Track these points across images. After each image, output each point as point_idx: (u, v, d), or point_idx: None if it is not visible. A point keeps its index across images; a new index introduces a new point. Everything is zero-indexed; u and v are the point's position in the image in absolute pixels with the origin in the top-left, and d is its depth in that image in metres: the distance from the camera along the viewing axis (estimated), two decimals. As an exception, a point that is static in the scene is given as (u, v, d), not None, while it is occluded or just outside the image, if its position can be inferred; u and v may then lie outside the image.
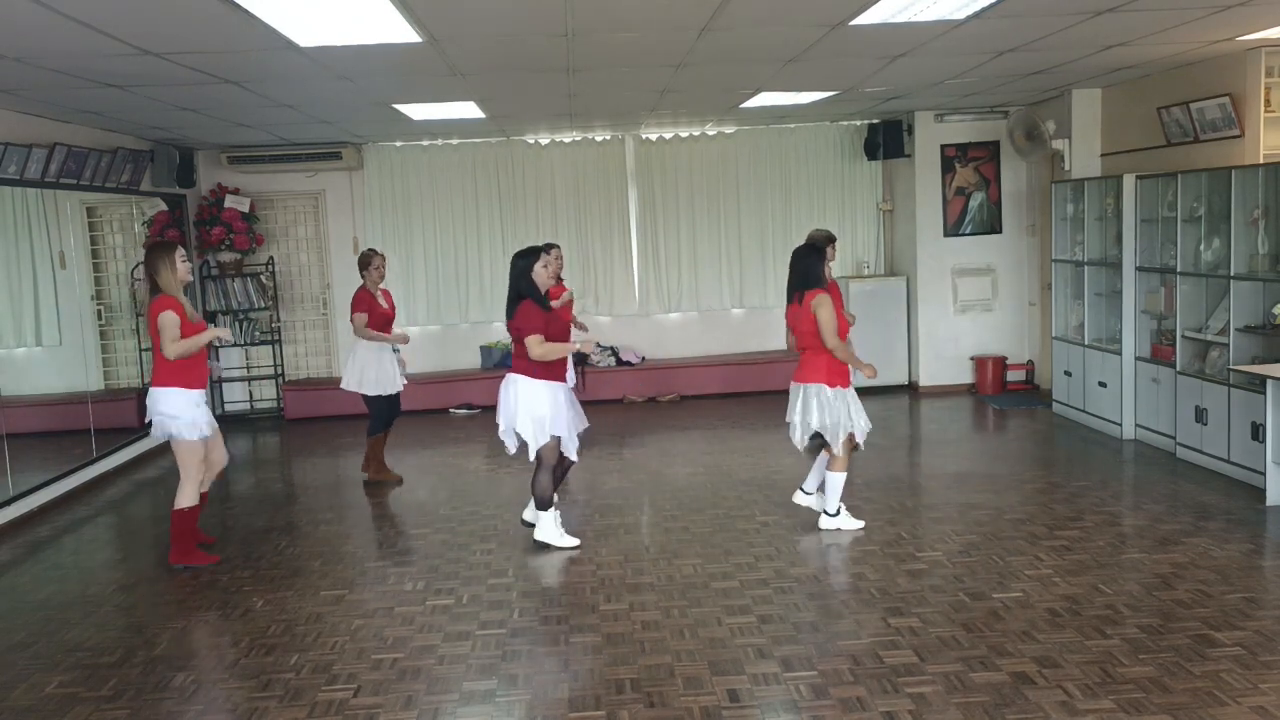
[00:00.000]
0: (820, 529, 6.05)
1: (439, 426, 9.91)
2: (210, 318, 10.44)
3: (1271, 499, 6.14)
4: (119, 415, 8.98)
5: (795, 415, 5.90)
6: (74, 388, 8.24)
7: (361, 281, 7.58)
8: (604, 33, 5.51)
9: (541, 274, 5.84)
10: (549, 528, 5.94)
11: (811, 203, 11.03)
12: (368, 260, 7.57)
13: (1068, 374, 8.83)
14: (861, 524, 6.07)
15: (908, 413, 9.71)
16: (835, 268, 10.99)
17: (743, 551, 5.72)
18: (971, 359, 10.46)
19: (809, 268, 5.88)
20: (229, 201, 10.26)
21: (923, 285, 10.43)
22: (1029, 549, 5.56)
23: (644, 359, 11.06)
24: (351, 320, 7.51)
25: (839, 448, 5.86)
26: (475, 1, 4.68)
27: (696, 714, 3.85)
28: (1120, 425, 8.06)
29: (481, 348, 11.00)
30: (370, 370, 7.48)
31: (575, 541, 5.94)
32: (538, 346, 5.65)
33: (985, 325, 10.49)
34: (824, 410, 5.81)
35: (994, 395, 10.13)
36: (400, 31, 5.11)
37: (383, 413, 7.63)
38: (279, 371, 10.75)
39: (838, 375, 5.84)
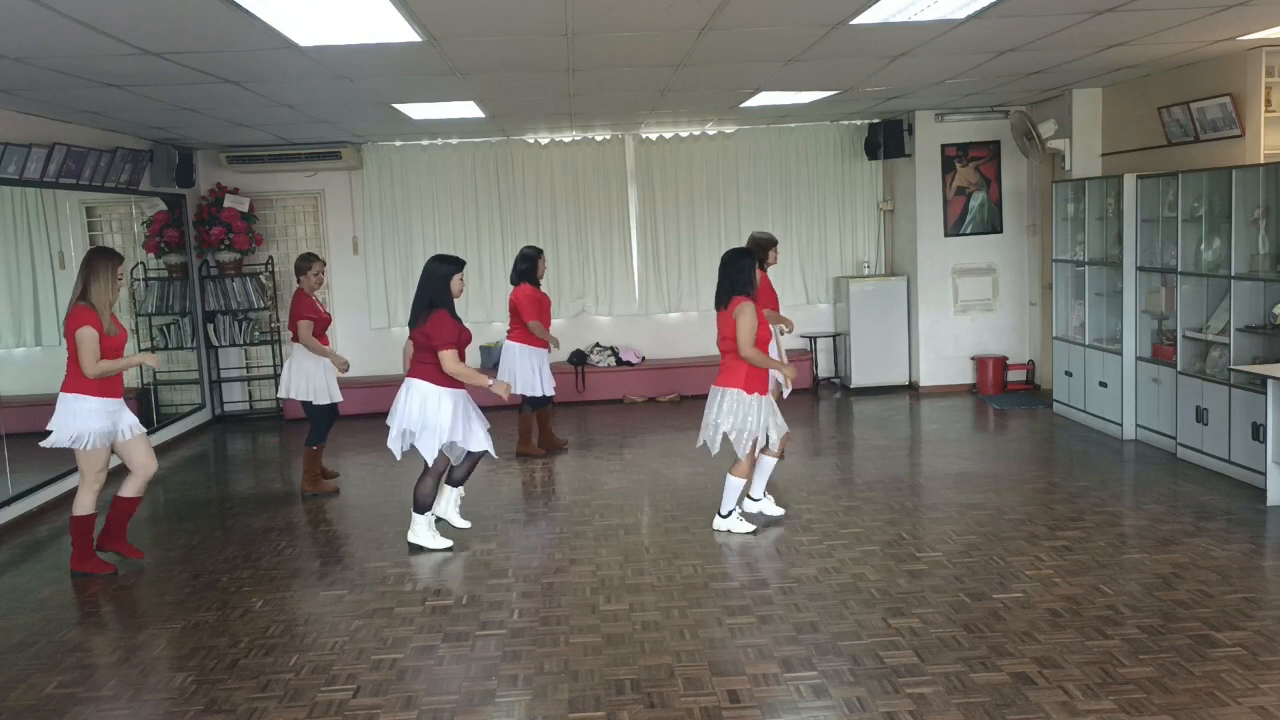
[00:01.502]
0: (713, 528, 6.11)
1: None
2: (209, 318, 10.45)
3: (1272, 499, 6.13)
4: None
5: (709, 417, 5.89)
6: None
7: (298, 285, 7.40)
8: (604, 33, 5.50)
9: (457, 284, 5.80)
10: (422, 530, 5.99)
11: (811, 203, 11.03)
12: (308, 264, 7.37)
13: (1068, 374, 8.83)
14: (753, 528, 6.06)
15: (908, 413, 9.70)
16: (836, 267, 11.14)
17: (743, 551, 5.72)
18: (972, 359, 10.45)
19: (738, 272, 5.82)
20: (228, 201, 10.26)
21: (923, 285, 10.43)
22: (1029, 549, 5.55)
23: (644, 359, 11.06)
24: (293, 326, 7.26)
25: (743, 453, 5.87)
26: (475, 1, 4.68)
27: (697, 715, 3.84)
28: (1121, 425, 8.06)
29: (481, 347, 10.98)
30: (319, 378, 7.32)
31: (448, 543, 6.00)
32: (452, 363, 5.65)
33: (986, 325, 10.48)
34: (735, 414, 5.79)
35: (994, 395, 10.13)
36: (400, 31, 5.11)
37: (325, 422, 7.47)
38: (278, 372, 10.72)
39: (756, 382, 5.81)
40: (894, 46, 6.36)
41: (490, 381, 5.85)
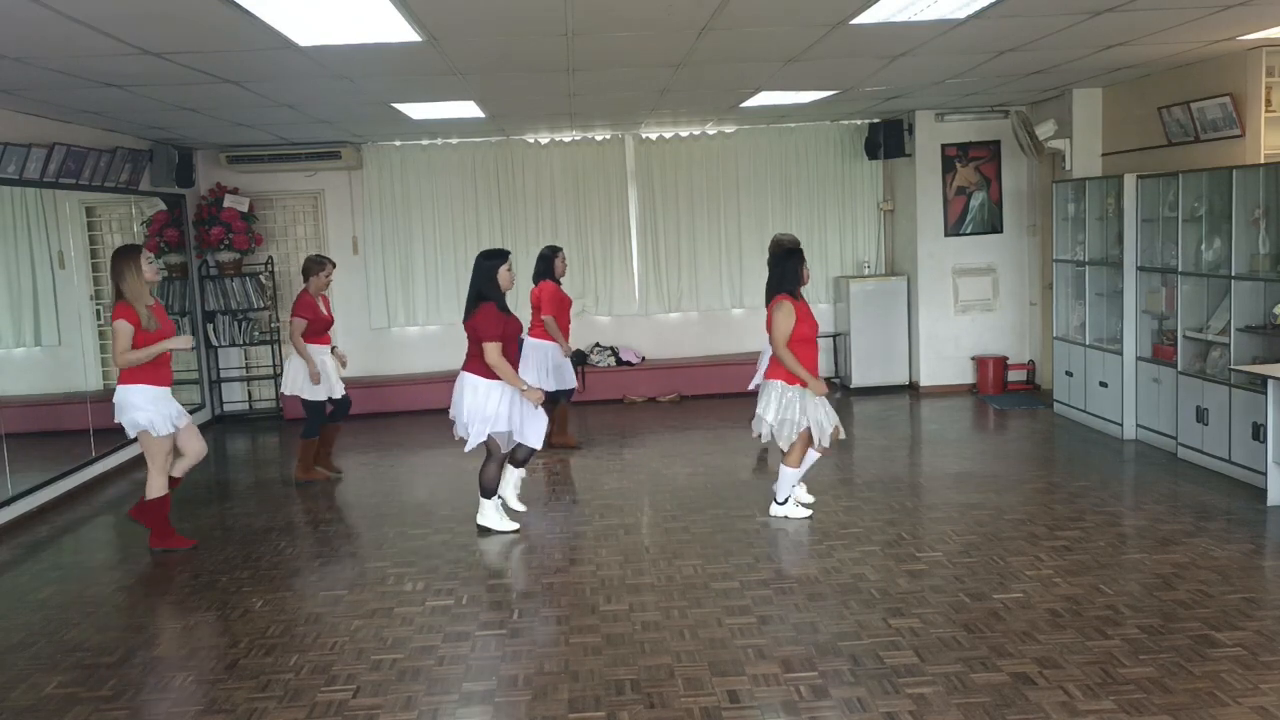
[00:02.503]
0: (770, 514, 6.29)
1: (439, 426, 9.88)
2: (209, 318, 10.45)
3: (1272, 499, 6.13)
4: (119, 415, 8.97)
5: (758, 409, 6.18)
6: (73, 388, 8.23)
7: (304, 286, 7.57)
8: (604, 33, 5.50)
9: (505, 277, 6.00)
10: (490, 513, 6.25)
11: (811, 203, 11.03)
12: (320, 266, 7.56)
13: (1069, 374, 8.83)
14: (809, 513, 6.28)
15: (908, 413, 9.70)
16: (836, 267, 11.13)
17: (743, 552, 5.72)
18: (972, 359, 10.45)
19: (785, 271, 6.16)
20: (228, 201, 10.25)
21: (923, 285, 10.43)
22: (1029, 549, 5.55)
23: (644, 359, 11.05)
24: (289, 323, 7.49)
25: (785, 443, 6.10)
26: (475, 1, 4.68)
27: (697, 715, 3.84)
28: (1121, 425, 8.06)
29: (481, 348, 10.98)
30: (308, 374, 7.48)
31: (515, 526, 6.25)
32: (494, 355, 5.88)
33: (986, 325, 10.48)
34: (777, 406, 6.04)
35: (995, 395, 10.12)
36: (400, 31, 5.11)
37: (320, 417, 7.65)
38: (278, 372, 10.73)
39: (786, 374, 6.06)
40: (894, 46, 6.35)
41: (524, 388, 6.03)
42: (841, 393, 10.75)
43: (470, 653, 4.50)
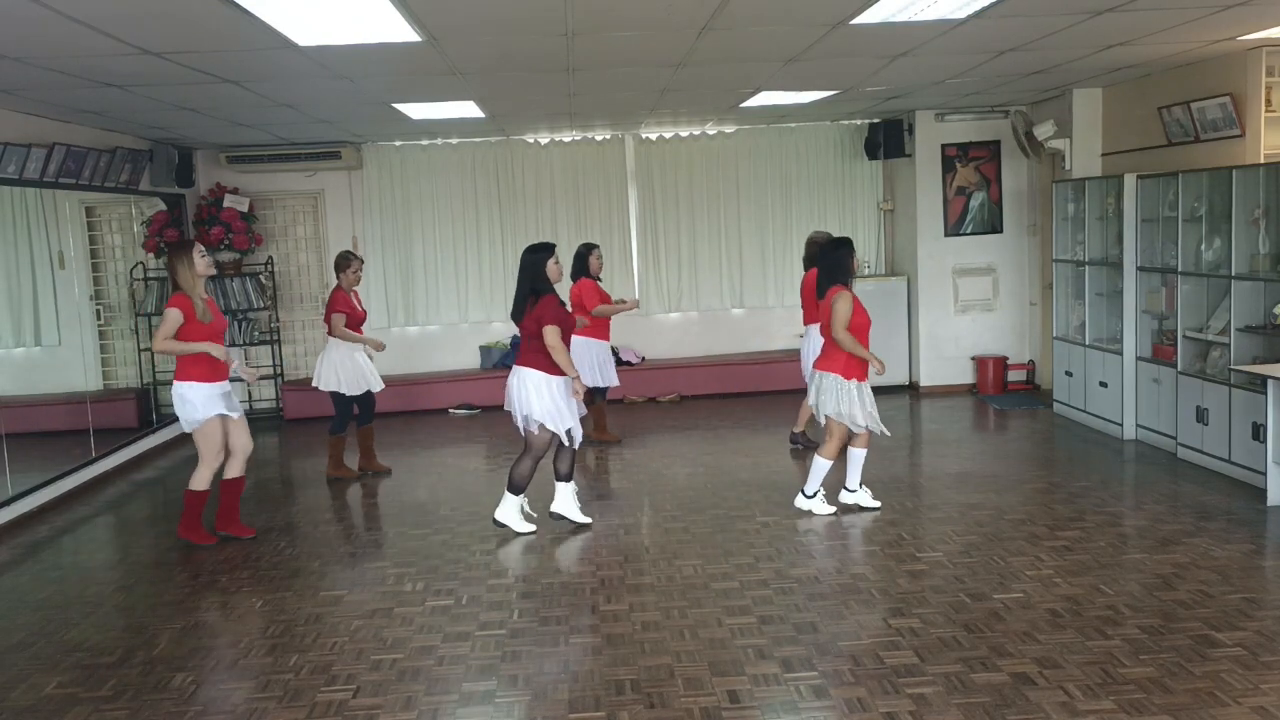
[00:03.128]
0: (795, 505, 6.33)
1: (439, 426, 9.91)
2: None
3: (1272, 499, 6.13)
4: (118, 415, 8.98)
5: (810, 399, 6.30)
6: (73, 388, 8.24)
7: (337, 282, 7.65)
8: (604, 33, 5.50)
9: (553, 269, 6.00)
10: (511, 511, 6.19)
11: (811, 203, 11.03)
12: (346, 262, 7.64)
13: (1068, 374, 8.83)
14: (834, 510, 6.30)
15: (908, 413, 9.70)
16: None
17: (743, 552, 5.72)
18: (972, 359, 10.45)
19: (836, 261, 6.20)
20: (228, 201, 10.25)
21: (923, 285, 10.42)
22: (1030, 549, 5.55)
23: (644, 359, 11.05)
24: (328, 320, 7.56)
25: (834, 437, 6.18)
26: (475, 1, 4.68)
27: (697, 715, 3.84)
28: (1121, 425, 8.06)
29: (481, 347, 10.99)
30: (345, 370, 7.55)
31: (532, 528, 6.21)
32: (554, 337, 5.86)
33: (986, 325, 10.48)
34: (833, 398, 6.09)
35: (995, 395, 10.12)
36: (400, 31, 5.11)
37: (348, 413, 7.73)
38: (278, 372, 10.74)
39: (855, 368, 6.09)
40: (894, 46, 6.35)
41: (577, 375, 6.04)
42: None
43: (470, 653, 4.50)
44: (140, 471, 8.56)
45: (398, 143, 10.64)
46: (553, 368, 5.95)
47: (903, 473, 7.50)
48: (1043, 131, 9.03)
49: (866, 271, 11.07)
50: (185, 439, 9.73)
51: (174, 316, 5.83)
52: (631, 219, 11.03)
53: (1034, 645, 4.32)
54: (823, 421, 6.26)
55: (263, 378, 10.84)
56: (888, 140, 10.40)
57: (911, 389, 10.65)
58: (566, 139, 10.81)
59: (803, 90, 8.22)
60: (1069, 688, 3.92)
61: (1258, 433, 6.37)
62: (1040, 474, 7.24)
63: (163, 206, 9.74)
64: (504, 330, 11.07)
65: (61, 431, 8.12)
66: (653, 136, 10.87)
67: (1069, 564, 5.29)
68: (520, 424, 6.10)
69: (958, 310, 10.46)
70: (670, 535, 6.11)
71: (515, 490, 6.19)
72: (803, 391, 10.72)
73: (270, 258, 10.65)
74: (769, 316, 11.27)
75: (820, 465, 6.25)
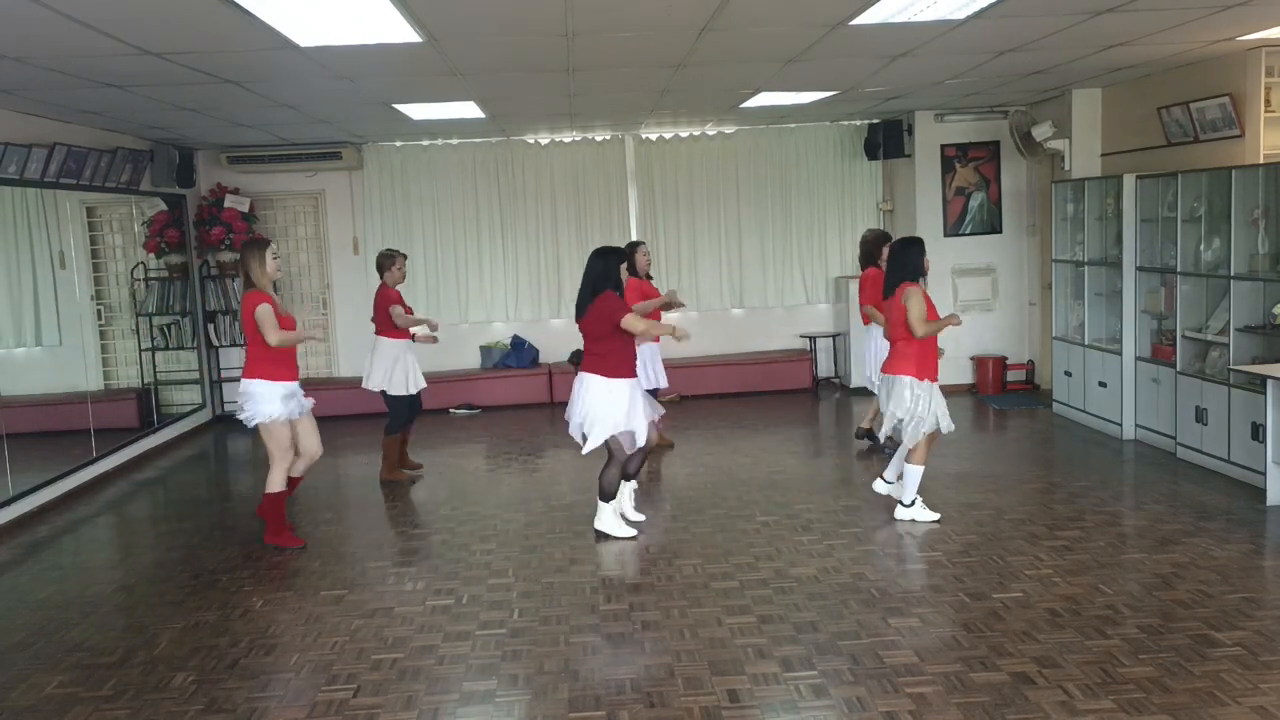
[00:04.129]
0: (895, 518, 6.18)
1: (439, 426, 9.90)
2: (210, 318, 10.46)
3: (1272, 499, 6.13)
4: (119, 415, 8.98)
5: (882, 405, 6.21)
6: (74, 388, 8.24)
7: (381, 281, 7.59)
8: (604, 33, 5.51)
9: (642, 261, 5.94)
10: (609, 519, 6.08)
11: (811, 203, 11.03)
12: (390, 260, 7.58)
13: (1068, 374, 8.83)
14: (938, 516, 6.16)
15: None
16: (836, 267, 11.14)
17: (743, 551, 5.72)
18: (972, 359, 10.45)
19: (908, 260, 6.11)
20: (229, 201, 10.26)
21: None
22: (1029, 549, 5.56)
23: (644, 359, 11.04)
24: (389, 315, 7.45)
25: (910, 439, 6.06)
26: (475, 1, 4.68)
27: (696, 714, 3.85)
28: (1120, 425, 8.06)
29: (481, 348, 10.99)
30: (398, 369, 7.50)
31: (633, 532, 6.07)
32: (637, 322, 5.79)
33: (985, 325, 10.48)
34: (907, 401, 6.01)
35: (994, 395, 10.12)
36: (400, 31, 5.11)
37: (404, 412, 7.65)
38: (279, 371, 10.73)
39: (926, 369, 6.04)
40: (894, 46, 6.36)
41: (672, 330, 5.93)
42: (841, 393, 10.76)
43: (470, 652, 4.51)
44: (141, 471, 8.56)
45: (398, 143, 10.64)
46: (612, 371, 5.86)
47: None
48: (1041, 132, 9.03)
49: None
50: (185, 438, 9.76)
51: (268, 311, 5.81)
52: (631, 219, 11.03)
53: (1033, 645, 4.33)
54: (891, 426, 6.16)
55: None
56: (887, 140, 10.40)
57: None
58: (567, 139, 10.82)
59: (803, 91, 8.22)
60: (1068, 687, 3.93)
61: (1257, 433, 6.37)
62: (1039, 474, 7.25)
63: (163, 207, 9.74)
64: (504, 330, 11.08)
65: (62, 431, 8.12)
66: (653, 137, 10.87)
67: (1068, 564, 5.29)
68: (572, 430, 6.04)
69: (957, 310, 10.44)
70: (670, 535, 6.11)
71: (606, 498, 6.05)
72: (805, 392, 10.79)
73: (270, 258, 10.65)
74: (769, 316, 11.27)
75: (913, 472, 6.13)
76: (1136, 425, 7.96)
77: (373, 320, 7.59)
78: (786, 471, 7.51)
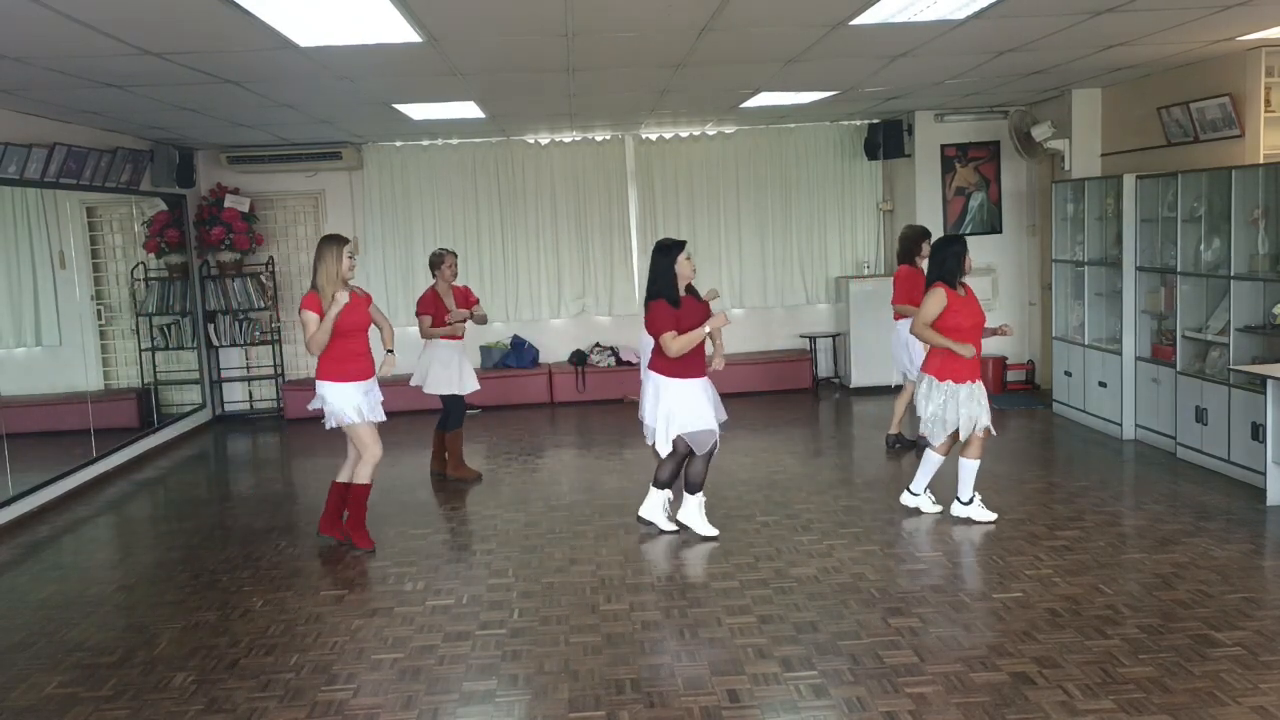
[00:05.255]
0: (951, 513, 6.16)
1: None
2: (210, 318, 10.46)
3: (1272, 499, 6.13)
4: (119, 415, 8.98)
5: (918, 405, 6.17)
6: (74, 388, 8.24)
7: (432, 282, 7.56)
8: (604, 33, 5.51)
9: (684, 266, 5.88)
10: (695, 512, 6.04)
11: (811, 203, 11.03)
12: (440, 259, 7.53)
13: (1068, 374, 8.83)
14: (994, 516, 6.10)
15: (908, 413, 9.69)
16: (836, 267, 11.14)
17: (743, 551, 5.72)
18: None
19: (946, 259, 6.00)
20: (229, 201, 10.26)
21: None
22: (1029, 549, 5.56)
23: (644, 359, 11.04)
24: (417, 320, 7.49)
25: (934, 438, 6.03)
26: (475, 1, 4.68)
27: (696, 714, 3.85)
28: (1120, 425, 8.06)
29: (481, 348, 10.99)
30: (452, 369, 7.50)
31: (715, 531, 6.00)
32: (672, 343, 5.73)
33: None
34: (928, 400, 5.97)
35: (994, 395, 10.11)
36: (400, 31, 5.11)
37: (462, 409, 7.67)
38: (279, 371, 10.75)
39: (949, 369, 5.90)
40: (894, 46, 6.36)
41: (707, 328, 5.84)
42: (840, 393, 10.76)
43: (470, 652, 4.51)
44: (141, 471, 8.56)
45: (398, 143, 10.65)
46: (681, 371, 5.84)
47: (903, 472, 7.50)
48: (1041, 132, 9.04)
49: (867, 271, 11.09)
50: (185, 438, 9.77)
51: (310, 319, 5.72)
52: (631, 219, 11.03)
53: (1033, 645, 4.33)
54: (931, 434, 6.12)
55: (264, 378, 10.83)
56: (887, 140, 10.41)
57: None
58: (566, 139, 10.82)
59: (803, 91, 8.22)
60: (1068, 687, 3.93)
61: (1257, 433, 6.37)
62: (1039, 474, 7.24)
63: (164, 206, 9.75)
64: (504, 330, 11.08)
65: (62, 431, 8.12)
66: (653, 137, 10.87)
67: (1068, 564, 5.29)
68: (648, 432, 6.04)
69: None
70: (670, 535, 6.11)
71: (693, 490, 6.05)
72: (805, 392, 10.80)
73: (271, 258, 10.66)
74: (769, 316, 11.27)
75: (968, 468, 6.07)
76: (1136, 425, 7.96)
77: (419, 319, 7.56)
78: (786, 471, 7.51)
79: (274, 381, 10.79)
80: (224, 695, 4.19)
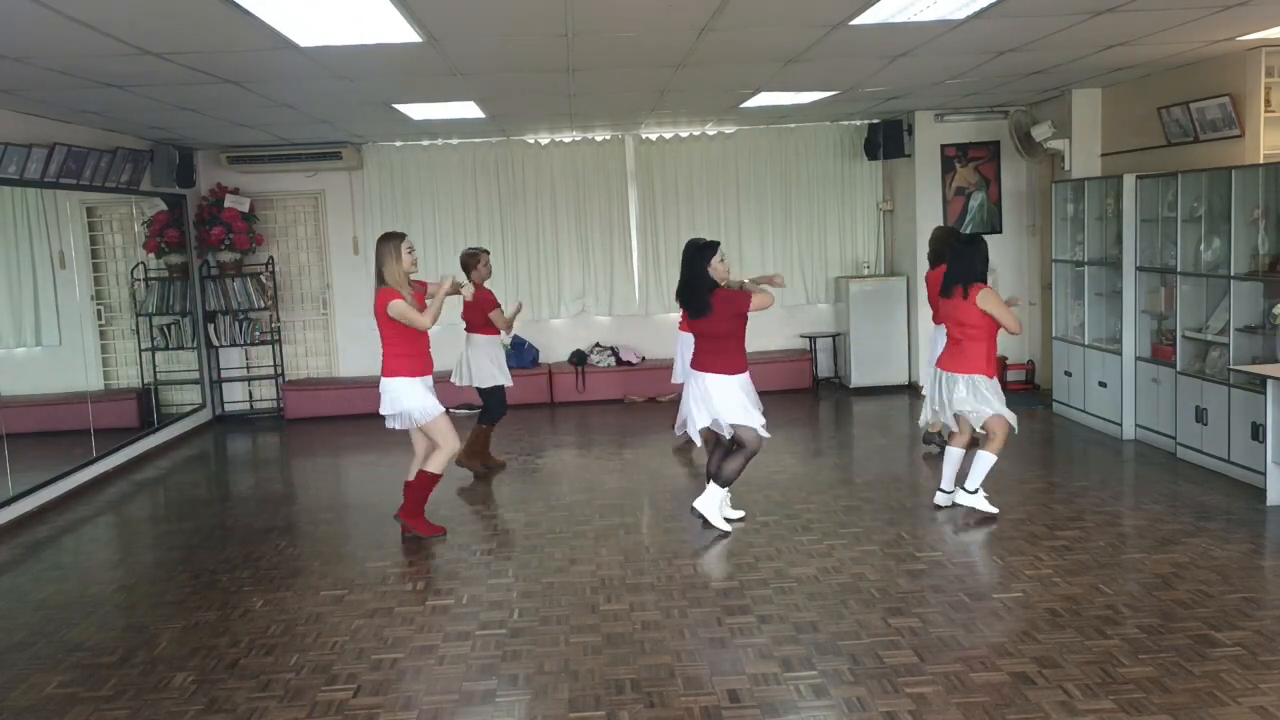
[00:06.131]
0: (956, 502, 6.26)
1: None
2: (210, 318, 10.46)
3: (1271, 499, 6.13)
4: (119, 415, 8.98)
5: (942, 398, 6.21)
6: (74, 388, 8.24)
7: (468, 279, 7.47)
8: (604, 33, 5.51)
9: (718, 268, 5.89)
10: (713, 504, 6.08)
11: (811, 203, 11.03)
12: (475, 259, 7.53)
13: (1068, 374, 8.83)
14: (996, 510, 6.17)
15: (908, 413, 9.69)
16: (836, 267, 11.14)
17: (743, 551, 5.72)
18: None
19: (975, 257, 6.09)
20: (229, 201, 10.26)
21: (923, 285, 10.40)
22: (1029, 549, 5.56)
23: (644, 359, 11.05)
24: (480, 317, 7.45)
25: (980, 429, 6.17)
26: (475, 1, 4.68)
27: (696, 714, 3.85)
28: (1120, 425, 8.06)
29: (481, 348, 10.98)
30: (495, 363, 7.54)
31: (728, 528, 6.05)
32: (767, 299, 5.85)
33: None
34: (976, 397, 6.08)
35: (994, 395, 10.11)
36: (400, 31, 5.11)
37: (501, 404, 7.69)
38: (279, 371, 10.75)
39: (993, 366, 6.17)
40: (894, 47, 6.36)
41: (781, 284, 6.11)
42: (840, 393, 10.76)
43: (470, 652, 4.51)
44: (141, 471, 8.56)
45: (398, 143, 10.64)
46: (730, 367, 5.90)
47: (903, 472, 7.50)
48: (1040, 133, 9.04)
49: (866, 271, 11.08)
50: (185, 438, 9.77)
51: (403, 305, 5.82)
52: (631, 219, 11.03)
53: (1033, 645, 4.33)
54: (960, 421, 6.20)
55: (264, 378, 10.82)
56: (887, 140, 10.40)
57: (911, 389, 10.65)
58: (567, 139, 10.82)
59: (803, 91, 8.22)
60: (1068, 687, 3.93)
61: (1257, 433, 6.37)
62: (1039, 474, 7.25)
63: (163, 207, 9.75)
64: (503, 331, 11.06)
65: (62, 431, 8.12)
66: (653, 137, 10.87)
67: (1068, 564, 5.29)
68: (692, 429, 6.03)
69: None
70: (670, 535, 6.11)
71: (723, 483, 6.06)
72: (806, 392, 10.79)
73: (271, 258, 10.66)
74: (769, 316, 11.22)
75: (985, 460, 6.15)
76: (1136, 425, 7.96)
77: (464, 316, 7.57)
78: (786, 471, 7.51)
79: (274, 381, 10.79)
80: (224, 695, 4.19)
